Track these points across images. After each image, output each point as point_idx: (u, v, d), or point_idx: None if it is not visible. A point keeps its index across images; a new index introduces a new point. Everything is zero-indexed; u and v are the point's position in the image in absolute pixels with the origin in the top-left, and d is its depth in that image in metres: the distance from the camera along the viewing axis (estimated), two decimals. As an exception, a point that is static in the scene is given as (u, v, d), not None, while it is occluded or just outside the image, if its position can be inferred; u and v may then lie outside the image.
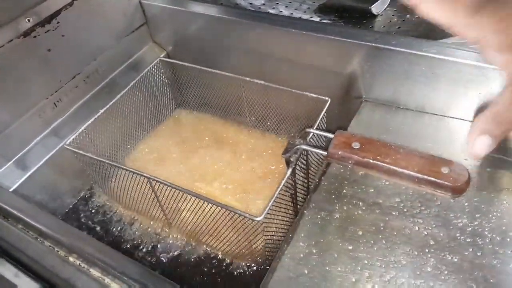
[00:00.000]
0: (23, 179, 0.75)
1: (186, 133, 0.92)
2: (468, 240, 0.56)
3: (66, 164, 0.80)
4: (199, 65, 0.85)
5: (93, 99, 0.85)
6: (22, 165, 0.76)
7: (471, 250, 0.55)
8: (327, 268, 0.56)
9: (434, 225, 0.59)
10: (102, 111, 0.79)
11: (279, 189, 0.62)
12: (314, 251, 0.58)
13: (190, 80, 0.90)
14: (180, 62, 0.87)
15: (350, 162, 0.60)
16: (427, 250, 0.56)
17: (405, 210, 0.61)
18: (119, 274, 0.51)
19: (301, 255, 0.58)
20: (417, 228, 0.59)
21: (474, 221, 0.58)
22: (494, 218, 0.58)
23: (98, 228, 0.81)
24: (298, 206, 0.75)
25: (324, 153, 0.62)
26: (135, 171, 0.68)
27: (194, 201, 0.65)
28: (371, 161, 0.58)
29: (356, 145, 0.60)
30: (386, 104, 0.75)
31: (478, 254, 0.55)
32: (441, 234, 0.58)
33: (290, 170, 0.65)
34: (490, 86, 0.67)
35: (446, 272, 0.54)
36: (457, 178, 0.55)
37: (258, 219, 0.59)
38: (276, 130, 0.89)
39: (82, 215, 0.83)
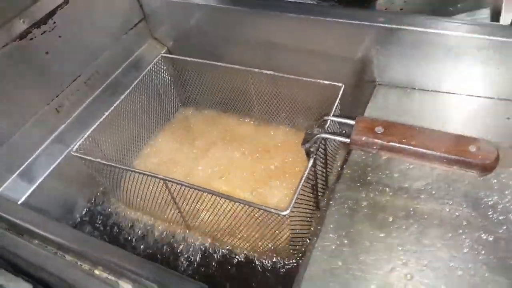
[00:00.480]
0: (30, 190, 0.72)
1: (194, 131, 0.90)
2: (501, 217, 0.55)
3: (74, 171, 0.78)
4: (203, 60, 0.82)
5: (96, 101, 0.82)
6: (28, 177, 0.73)
7: (505, 228, 0.54)
8: (361, 258, 0.55)
9: (464, 205, 0.57)
10: (106, 114, 0.76)
11: (302, 181, 0.60)
12: (346, 241, 0.56)
13: (194, 75, 0.87)
14: (183, 58, 0.84)
15: (374, 147, 0.58)
16: (460, 231, 0.55)
17: (433, 192, 0.60)
18: (151, 283, 0.49)
19: (333, 247, 0.56)
20: (447, 210, 0.57)
21: (504, 198, 0.57)
22: (525, 194, 0.57)
23: (114, 235, 0.78)
24: (319, 196, 0.73)
25: (347, 140, 0.60)
26: (150, 173, 0.65)
27: (214, 200, 0.63)
28: (397, 145, 0.57)
29: (379, 129, 0.58)
30: (400, 86, 0.74)
31: (513, 233, 0.54)
32: (473, 214, 0.57)
33: (311, 160, 0.63)
34: (510, 62, 0.66)
35: (483, 252, 0.53)
36: (486, 156, 0.54)
37: (284, 213, 0.57)
38: (288, 122, 0.86)
39: (95, 223, 0.80)
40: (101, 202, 0.83)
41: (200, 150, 0.86)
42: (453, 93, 0.72)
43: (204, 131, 0.89)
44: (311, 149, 0.63)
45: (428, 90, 0.72)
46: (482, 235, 0.54)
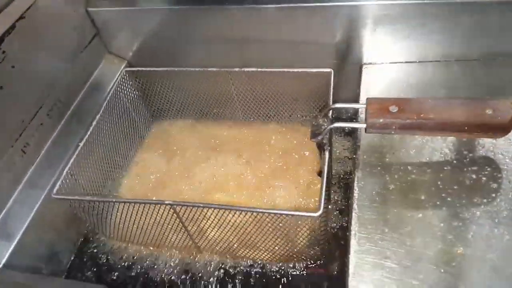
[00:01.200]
0: (10, 250, 0.63)
1: (174, 145, 0.83)
2: (528, 174, 0.56)
3: (54, 215, 0.69)
4: (171, 68, 0.76)
5: (63, 133, 0.73)
6: (4, 234, 0.63)
7: (535, 183, 0.55)
8: (408, 242, 0.52)
9: (488, 169, 0.57)
10: (81, 145, 0.67)
11: (324, 177, 0.57)
12: (386, 230, 0.54)
13: (164, 86, 0.80)
14: (150, 68, 0.77)
15: (393, 127, 0.56)
16: (493, 195, 0.55)
17: (454, 161, 0.59)
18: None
19: (376, 238, 0.53)
20: (474, 176, 0.57)
21: (524, 154, 0.58)
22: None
23: (115, 276, 0.71)
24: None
25: (363, 125, 0.58)
26: (155, 201, 0.59)
27: (234, 215, 0.58)
28: (416, 121, 0.55)
29: (393, 108, 0.56)
30: (387, 62, 0.73)
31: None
32: (499, 175, 0.56)
33: (327, 153, 0.60)
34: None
35: (523, 211, 0.53)
36: (504, 115, 0.54)
37: (316, 214, 0.54)
38: (275, 118, 0.82)
39: (91, 267, 0.72)
40: (90, 243, 0.74)
41: (185, 163, 0.80)
42: (437, 61, 0.72)
43: (185, 143, 0.83)
44: (324, 141, 0.60)
45: (416, 62, 0.72)
46: (517, 195, 0.54)
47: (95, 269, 0.72)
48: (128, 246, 0.73)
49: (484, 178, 0.57)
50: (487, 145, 0.60)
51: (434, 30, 0.68)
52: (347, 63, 0.75)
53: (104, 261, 0.72)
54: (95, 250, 0.74)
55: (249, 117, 0.83)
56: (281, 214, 0.55)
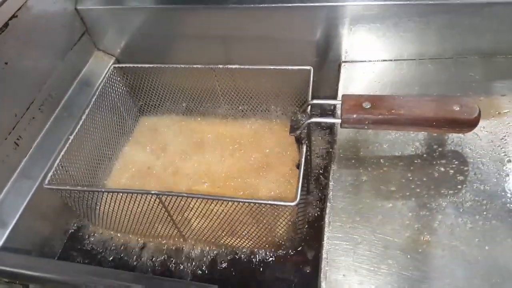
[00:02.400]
0: (5, 236, 0.66)
1: (161, 139, 0.86)
2: (492, 167, 0.59)
3: (46, 205, 0.72)
4: (157, 64, 0.79)
5: (55, 126, 0.76)
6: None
7: (498, 176, 0.58)
8: (378, 231, 0.56)
9: (456, 162, 0.61)
10: (72, 137, 0.70)
11: (302, 168, 0.60)
12: (358, 218, 0.58)
13: (151, 82, 0.83)
14: (137, 65, 0.80)
15: (366, 123, 0.59)
16: (459, 187, 0.58)
17: (424, 155, 0.63)
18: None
19: (348, 226, 0.57)
20: (442, 169, 0.60)
21: (490, 148, 0.61)
22: (507, 139, 0.62)
23: (104, 264, 0.74)
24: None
25: (338, 120, 0.61)
26: (141, 191, 0.62)
27: (217, 205, 0.62)
28: (387, 116, 0.58)
29: (367, 104, 0.59)
30: (364, 60, 0.76)
31: (507, 178, 0.58)
32: (466, 168, 0.60)
33: (305, 146, 0.63)
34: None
35: (485, 202, 0.56)
36: (470, 111, 0.57)
37: (293, 204, 0.57)
38: (258, 113, 0.85)
39: (79, 253, 0.75)
40: (81, 231, 0.77)
41: (171, 157, 0.83)
42: (413, 59, 0.75)
43: (172, 137, 0.86)
44: (302, 135, 0.63)
45: (391, 60, 0.75)
46: (480, 187, 0.58)
47: (84, 257, 0.75)
48: (116, 235, 0.76)
49: (451, 171, 0.60)
50: (455, 140, 0.63)
51: (408, 29, 0.71)
52: (327, 61, 0.79)
53: (94, 249, 0.75)
54: (85, 239, 0.77)
55: (233, 112, 0.86)
56: (260, 204, 0.59)
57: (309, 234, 0.71)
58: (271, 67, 0.73)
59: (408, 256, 0.53)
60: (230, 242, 0.70)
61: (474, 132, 0.62)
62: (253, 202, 0.58)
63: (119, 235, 0.76)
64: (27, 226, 0.69)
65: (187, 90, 0.83)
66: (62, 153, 0.68)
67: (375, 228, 0.56)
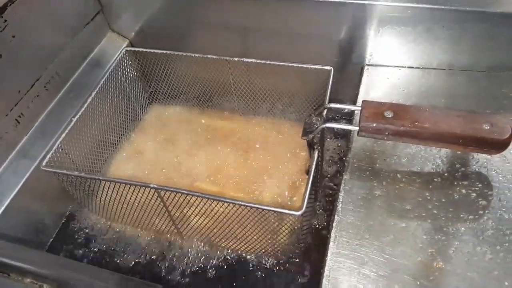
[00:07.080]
0: (-2, 214, 0.64)
1: (169, 130, 0.83)
2: (519, 194, 0.55)
3: (43, 187, 0.69)
4: (171, 51, 0.75)
5: (59, 106, 0.73)
6: (-8, 200, 0.64)
7: (525, 204, 0.54)
8: (388, 251, 0.52)
9: (479, 185, 0.56)
10: (75, 119, 0.67)
11: (311, 175, 0.56)
12: (367, 236, 0.53)
13: (163, 69, 0.79)
14: (150, 50, 0.77)
15: (386, 133, 0.55)
16: (481, 212, 0.54)
17: (445, 174, 0.58)
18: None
19: (355, 243, 0.53)
20: (464, 191, 0.56)
21: (518, 174, 0.57)
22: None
23: (97, 252, 0.71)
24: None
25: (355, 128, 0.56)
26: (140, 184, 0.59)
27: (217, 205, 0.58)
28: (410, 129, 0.54)
29: (388, 113, 0.55)
30: (389, 65, 0.72)
31: (535, 207, 0.53)
32: (489, 192, 0.55)
33: (316, 152, 0.59)
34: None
35: (508, 232, 0.51)
36: (501, 131, 0.52)
37: (298, 213, 0.53)
38: (271, 112, 0.81)
39: (73, 241, 0.72)
40: (76, 217, 0.75)
41: (178, 150, 0.79)
42: (442, 69, 0.70)
43: (179, 129, 0.82)
44: (315, 140, 0.59)
45: (419, 68, 0.71)
46: (504, 215, 0.53)
47: (77, 244, 0.72)
48: (112, 224, 0.73)
49: (473, 194, 0.55)
50: (481, 160, 0.58)
51: (441, 36, 0.67)
52: (349, 63, 0.74)
53: (87, 236, 0.73)
54: (80, 225, 0.74)
55: (244, 109, 0.82)
56: (263, 209, 0.55)
57: (312, 245, 0.67)
58: (289, 64, 0.69)
59: (418, 283, 0.49)
60: (227, 244, 0.67)
61: (502, 154, 0.57)
62: (256, 207, 0.55)
63: (114, 224, 0.73)
64: (21, 207, 0.66)
65: (199, 81, 0.79)
66: (64, 135, 0.65)
67: (384, 248, 0.52)
